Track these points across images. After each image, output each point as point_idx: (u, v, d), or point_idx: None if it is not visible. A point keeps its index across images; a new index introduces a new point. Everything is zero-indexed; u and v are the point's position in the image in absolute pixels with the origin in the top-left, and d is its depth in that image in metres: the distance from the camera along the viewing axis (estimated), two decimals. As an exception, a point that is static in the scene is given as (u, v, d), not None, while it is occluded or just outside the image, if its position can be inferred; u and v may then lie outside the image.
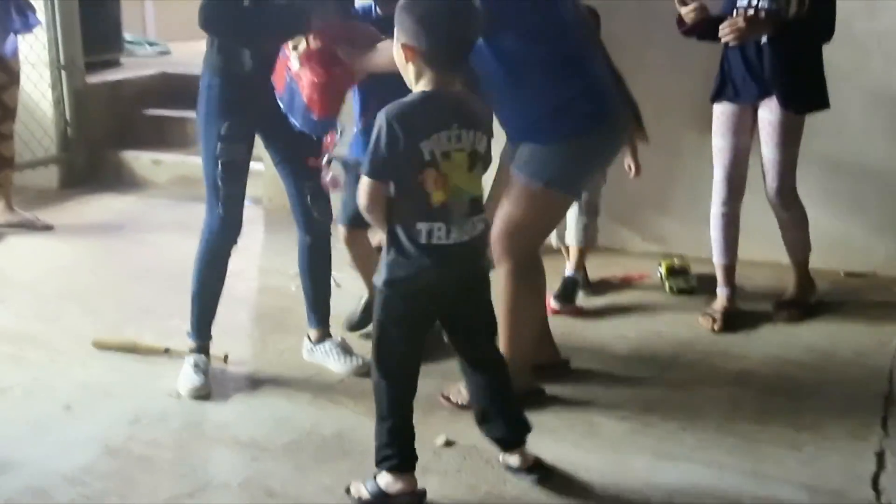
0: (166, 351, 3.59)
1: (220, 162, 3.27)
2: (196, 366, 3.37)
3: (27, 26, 5.02)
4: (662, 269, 4.26)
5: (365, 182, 2.53)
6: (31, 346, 3.73)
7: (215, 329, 3.44)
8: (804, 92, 3.75)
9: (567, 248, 4.22)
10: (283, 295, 4.09)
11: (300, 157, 3.35)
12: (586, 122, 2.99)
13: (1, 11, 4.83)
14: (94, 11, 6.71)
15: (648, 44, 4.47)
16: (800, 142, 3.81)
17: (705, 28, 3.68)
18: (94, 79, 6.61)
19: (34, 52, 5.83)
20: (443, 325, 2.77)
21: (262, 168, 4.58)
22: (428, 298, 2.62)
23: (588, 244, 4.18)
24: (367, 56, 3.05)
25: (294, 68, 3.09)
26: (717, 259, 3.97)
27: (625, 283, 4.35)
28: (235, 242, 3.40)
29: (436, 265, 2.54)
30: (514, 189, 3.05)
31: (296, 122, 3.15)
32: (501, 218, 3.05)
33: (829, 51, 3.78)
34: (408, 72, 2.56)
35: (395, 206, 2.54)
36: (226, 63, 3.23)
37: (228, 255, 3.42)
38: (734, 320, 3.88)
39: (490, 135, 2.65)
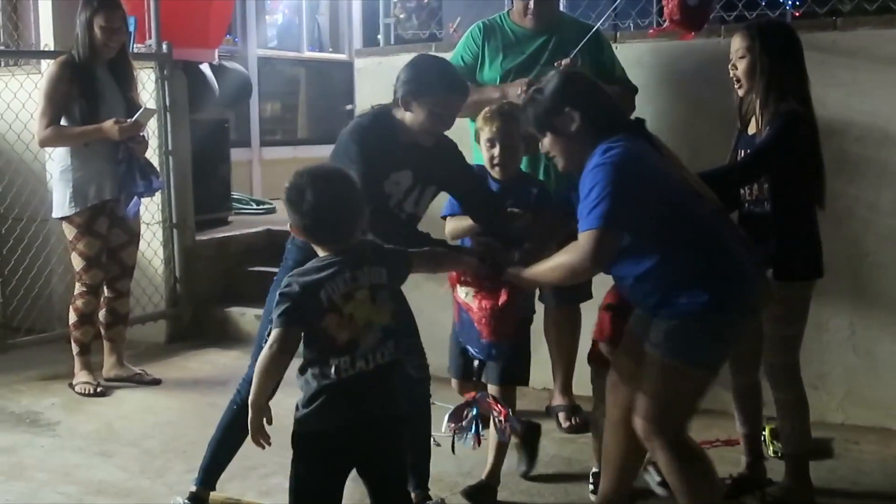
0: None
1: None
2: None
3: (150, 189, 5.24)
4: (766, 433, 4.16)
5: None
6: (136, 501, 3.81)
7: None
8: (795, 260, 3.54)
9: None
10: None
11: None
12: (721, 297, 2.90)
13: (126, 176, 5.08)
14: (205, 173, 7.02)
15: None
16: (800, 319, 3.59)
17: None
18: (203, 237, 6.86)
19: (149, 213, 6.08)
20: (360, 473, 2.80)
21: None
22: (342, 438, 2.70)
23: None
24: (532, 273, 3.09)
25: (462, 298, 3.19)
26: (738, 427, 3.85)
27: (729, 446, 4.26)
28: None
29: (344, 395, 2.67)
30: (651, 367, 2.98)
31: (473, 350, 3.22)
32: (642, 399, 2.99)
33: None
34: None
35: (305, 353, 2.71)
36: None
37: None
38: (747, 487, 3.73)
39: (386, 265, 2.75)
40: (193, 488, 3.55)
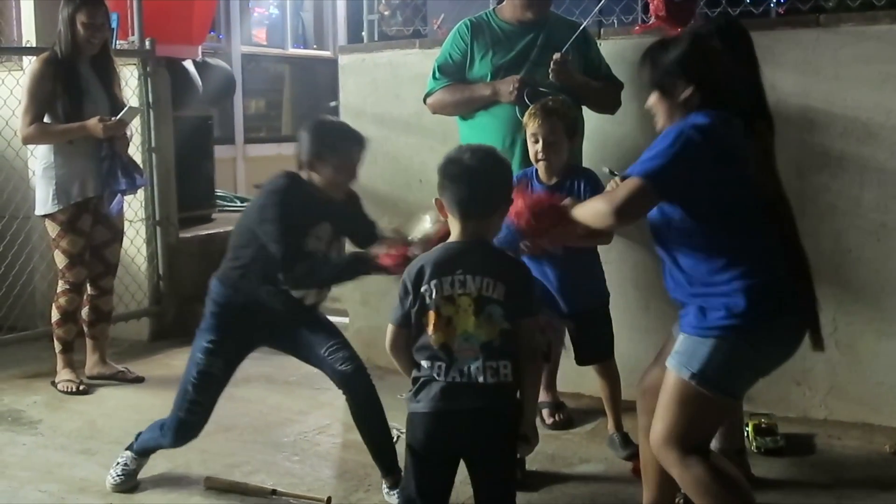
0: (273, 493, 3.68)
1: (197, 369, 3.62)
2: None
3: (133, 187, 5.23)
4: (749, 429, 4.18)
5: (389, 328, 2.77)
6: (118, 500, 3.79)
7: (302, 487, 3.43)
8: None
9: None
10: (367, 451, 4.08)
11: (313, 339, 3.61)
12: (755, 316, 2.75)
13: (109, 173, 5.06)
14: (189, 170, 6.99)
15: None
16: None
17: None
18: (187, 234, 6.82)
19: (132, 210, 6.05)
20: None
21: (347, 322, 4.62)
22: (440, 435, 2.69)
23: None
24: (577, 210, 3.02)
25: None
26: None
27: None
28: (182, 445, 3.73)
29: (437, 400, 2.66)
30: (669, 384, 2.84)
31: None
32: (656, 418, 2.87)
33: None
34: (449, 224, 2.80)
35: (413, 344, 2.74)
36: (239, 288, 3.65)
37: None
38: None
39: (510, 285, 2.68)
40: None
